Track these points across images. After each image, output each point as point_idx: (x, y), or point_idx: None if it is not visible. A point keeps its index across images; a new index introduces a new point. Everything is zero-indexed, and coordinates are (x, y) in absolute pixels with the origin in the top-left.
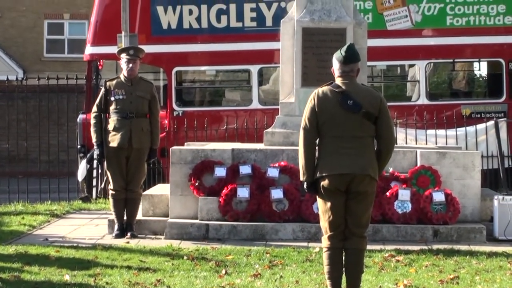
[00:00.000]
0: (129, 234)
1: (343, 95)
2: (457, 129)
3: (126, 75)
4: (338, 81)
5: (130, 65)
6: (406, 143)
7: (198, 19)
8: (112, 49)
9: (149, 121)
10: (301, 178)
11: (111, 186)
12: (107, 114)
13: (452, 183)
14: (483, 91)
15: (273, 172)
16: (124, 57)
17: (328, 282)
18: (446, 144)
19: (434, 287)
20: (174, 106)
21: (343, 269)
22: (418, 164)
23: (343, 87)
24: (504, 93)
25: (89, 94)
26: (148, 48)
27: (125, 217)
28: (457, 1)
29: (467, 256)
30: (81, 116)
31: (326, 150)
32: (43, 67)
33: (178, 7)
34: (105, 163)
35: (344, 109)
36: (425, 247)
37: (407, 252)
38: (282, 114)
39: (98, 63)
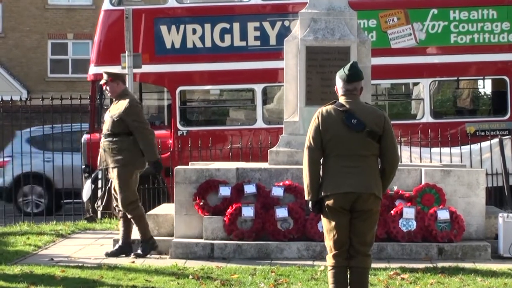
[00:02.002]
0: (132, 254)
1: (347, 114)
2: (462, 147)
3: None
4: (342, 99)
5: (107, 88)
6: (410, 161)
7: (202, 38)
8: (116, 69)
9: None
10: (306, 197)
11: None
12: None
13: (456, 201)
14: (487, 109)
15: (277, 191)
16: None
17: None
18: (451, 162)
19: None
20: (178, 126)
21: (348, 287)
22: (423, 182)
23: (347, 106)
24: (509, 110)
25: (93, 114)
26: (152, 68)
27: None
28: (461, 19)
29: (472, 274)
30: (85, 136)
31: (330, 169)
32: (47, 87)
33: (182, 27)
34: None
35: (348, 128)
36: (430, 265)
37: (412, 270)
38: (286, 133)
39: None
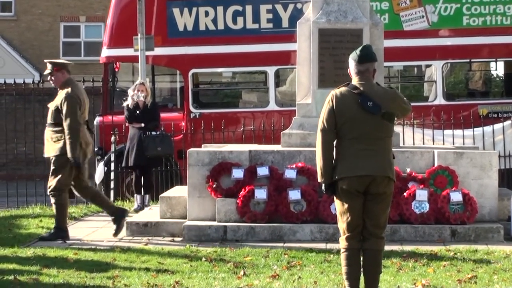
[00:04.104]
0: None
1: (362, 97)
2: (474, 129)
3: None
4: (355, 81)
5: (52, 78)
6: (423, 144)
7: (214, 21)
8: (129, 51)
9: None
10: (319, 179)
11: None
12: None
13: (469, 183)
14: (500, 91)
15: (290, 174)
16: None
17: (346, 283)
18: (463, 144)
19: (452, 287)
20: (191, 108)
21: (361, 269)
22: (436, 164)
23: (361, 88)
24: None
25: (105, 96)
26: (165, 50)
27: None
28: (474, 1)
29: (485, 256)
30: (98, 119)
31: (344, 151)
32: None
33: (194, 9)
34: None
35: (364, 110)
36: (443, 247)
37: (425, 252)
38: (299, 115)
39: (115, 66)
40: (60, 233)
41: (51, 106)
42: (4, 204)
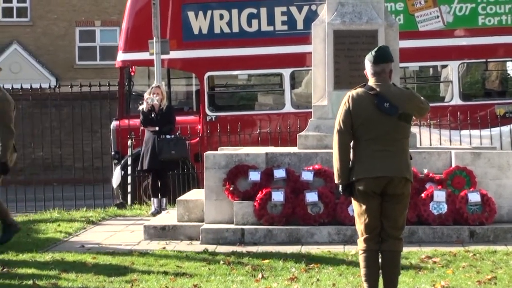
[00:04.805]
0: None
1: (378, 98)
2: (491, 129)
3: None
4: (371, 82)
5: None
6: (440, 144)
7: (229, 23)
8: (144, 55)
9: None
10: (336, 180)
11: None
12: None
13: (487, 183)
14: None
15: (307, 176)
16: None
17: (365, 285)
18: (481, 144)
19: None
20: (207, 111)
21: (380, 271)
22: (453, 165)
23: (377, 89)
24: None
25: (121, 100)
26: (180, 54)
27: None
28: (489, 1)
29: (504, 256)
30: (114, 123)
31: (361, 153)
32: (75, 74)
33: (209, 12)
34: None
35: (381, 112)
36: (462, 248)
37: (443, 253)
38: (315, 117)
39: (130, 70)
40: (11, 229)
41: None
42: (22, 209)
